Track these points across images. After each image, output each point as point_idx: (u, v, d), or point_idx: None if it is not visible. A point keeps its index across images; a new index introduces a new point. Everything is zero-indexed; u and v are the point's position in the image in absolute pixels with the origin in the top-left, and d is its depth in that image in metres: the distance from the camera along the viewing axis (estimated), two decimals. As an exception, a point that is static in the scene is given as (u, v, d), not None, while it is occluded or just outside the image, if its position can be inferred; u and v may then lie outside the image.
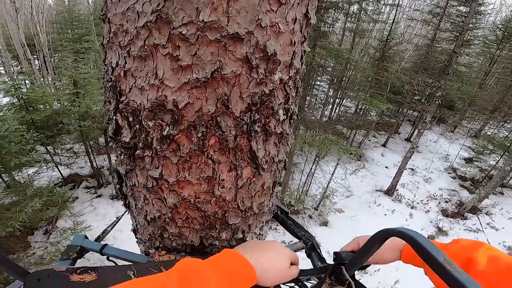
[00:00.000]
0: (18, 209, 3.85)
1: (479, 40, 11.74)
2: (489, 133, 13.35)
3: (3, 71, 15.52)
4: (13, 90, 6.16)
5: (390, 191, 9.36)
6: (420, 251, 0.45)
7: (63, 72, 9.82)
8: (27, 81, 10.85)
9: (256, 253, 0.58)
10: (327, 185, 7.80)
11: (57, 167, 7.51)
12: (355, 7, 8.40)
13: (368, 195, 9.30)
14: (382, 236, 0.54)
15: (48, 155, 7.25)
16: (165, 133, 0.55)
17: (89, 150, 7.62)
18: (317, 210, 8.05)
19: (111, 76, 0.62)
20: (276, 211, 1.07)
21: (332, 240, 6.79)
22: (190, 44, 0.48)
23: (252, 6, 0.47)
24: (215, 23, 0.46)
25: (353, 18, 8.99)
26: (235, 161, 0.60)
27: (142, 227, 0.92)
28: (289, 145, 0.72)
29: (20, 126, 4.57)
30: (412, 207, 9.11)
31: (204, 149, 0.56)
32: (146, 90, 0.54)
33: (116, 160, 0.79)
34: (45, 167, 6.86)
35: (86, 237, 0.96)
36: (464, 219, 8.85)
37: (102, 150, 8.17)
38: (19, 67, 13.81)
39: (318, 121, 7.21)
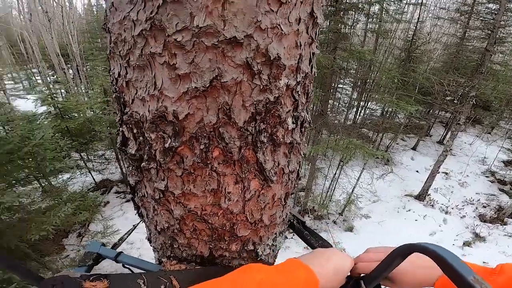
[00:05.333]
0: (53, 213, 4.06)
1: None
2: (531, 134, 12.31)
3: (40, 81, 16.59)
4: (49, 99, 6.53)
5: (421, 196, 8.89)
6: (445, 267, 0.39)
7: (94, 80, 10.31)
8: (62, 90, 11.47)
9: (318, 261, 0.60)
10: (352, 190, 7.54)
11: (90, 172, 7.90)
12: (376, 8, 8.14)
13: (396, 200, 8.89)
14: (404, 250, 0.49)
15: (82, 162, 7.65)
16: (167, 145, 0.52)
17: (119, 156, 7.94)
18: (341, 215, 7.81)
19: (115, 87, 0.61)
20: (292, 220, 1.03)
21: (358, 246, 6.53)
22: (186, 51, 0.46)
23: (250, 7, 0.44)
24: (211, 28, 0.43)
25: (374, 19, 8.72)
26: (241, 173, 0.57)
27: (154, 237, 0.92)
28: (301, 154, 0.67)
29: (56, 134, 4.83)
30: (446, 212, 8.58)
31: (208, 162, 0.54)
32: (147, 101, 0.52)
33: (127, 171, 0.79)
34: (79, 173, 7.23)
35: (103, 245, 0.98)
36: (504, 225, 8.18)
37: (131, 156, 8.44)
38: (55, 76, 14.64)
39: (341, 125, 7.01)
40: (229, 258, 0.81)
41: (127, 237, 1.21)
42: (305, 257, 0.64)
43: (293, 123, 0.57)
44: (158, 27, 0.45)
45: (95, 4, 17.69)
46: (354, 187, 7.51)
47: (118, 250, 0.99)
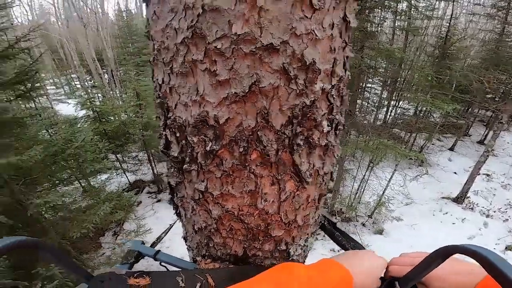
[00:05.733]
0: (92, 212, 4.32)
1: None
2: None
3: (79, 85, 17.56)
4: (88, 103, 6.96)
5: (460, 199, 8.36)
6: (492, 270, 0.38)
7: (127, 85, 10.75)
8: (99, 94, 12.08)
9: (352, 262, 0.60)
10: (383, 192, 7.27)
11: (125, 173, 8.31)
12: (404, 5, 7.80)
13: (432, 203, 8.43)
14: (445, 252, 0.47)
15: (118, 163, 8.07)
16: (208, 148, 0.56)
17: (151, 158, 8.29)
18: (371, 217, 7.55)
19: (159, 93, 0.64)
20: (322, 221, 1.03)
21: (388, 249, 6.29)
22: (226, 58, 0.48)
23: (284, 14, 0.45)
24: (248, 35, 0.45)
25: (403, 16, 8.35)
26: (278, 175, 0.58)
27: (190, 236, 0.96)
28: (335, 156, 0.68)
29: (95, 136, 5.14)
30: (487, 216, 8.00)
31: (246, 164, 0.56)
32: (190, 106, 0.55)
33: (167, 173, 0.84)
34: (115, 173, 7.63)
35: (142, 243, 1.03)
36: (553, 229, 7.48)
37: (162, 158, 8.80)
38: (92, 81, 15.43)
39: (371, 125, 6.78)
40: (262, 258, 0.83)
41: (165, 236, 1.27)
42: (338, 257, 0.64)
43: (328, 126, 0.58)
44: (199, 35, 0.48)
45: (125, 9, 18.42)
46: (385, 189, 7.24)
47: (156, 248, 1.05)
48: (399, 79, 9.54)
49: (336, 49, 0.53)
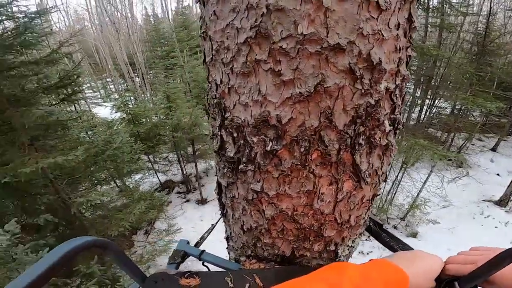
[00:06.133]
0: (128, 211, 4.51)
1: None
2: None
3: (113, 89, 18.37)
4: (122, 106, 7.32)
5: (503, 202, 7.80)
6: None
7: (157, 87, 11.05)
8: (132, 97, 12.58)
9: (406, 262, 0.59)
10: (418, 194, 6.94)
11: (156, 174, 8.63)
12: (435, 1, 7.43)
13: (472, 206, 7.92)
14: None
15: (150, 163, 8.40)
16: (268, 148, 0.56)
17: (180, 158, 8.54)
18: (403, 220, 7.23)
19: (215, 93, 0.65)
20: (368, 223, 1.01)
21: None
22: (291, 58, 0.48)
23: (351, 15, 0.45)
24: (314, 35, 0.45)
25: (435, 13, 7.95)
26: (337, 175, 0.58)
27: (236, 236, 0.97)
28: (392, 156, 0.66)
29: (130, 138, 5.38)
30: (533, 219, 7.39)
31: (306, 164, 0.56)
32: (250, 106, 0.56)
33: (218, 173, 0.86)
34: (147, 174, 7.94)
35: (188, 243, 1.05)
36: None
37: (190, 159, 9.05)
38: (125, 84, 16.09)
39: (403, 125, 6.49)
40: (309, 258, 0.82)
41: (207, 236, 1.30)
42: (390, 257, 0.63)
43: (390, 125, 0.57)
44: (263, 35, 0.48)
45: (152, 14, 18.99)
46: (420, 191, 6.91)
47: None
48: (434, 77, 9.08)
49: (401, 48, 0.52)
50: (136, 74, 14.87)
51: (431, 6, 7.60)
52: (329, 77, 0.49)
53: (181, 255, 1.00)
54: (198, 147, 8.47)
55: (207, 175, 9.83)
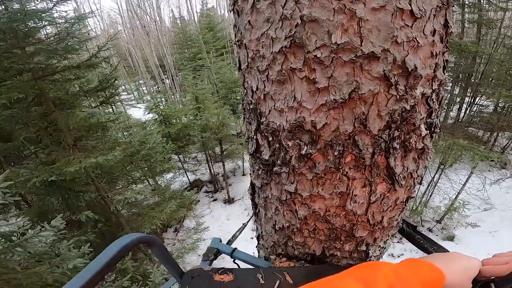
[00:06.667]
0: (160, 209, 4.70)
1: None
2: None
3: (145, 91, 19.10)
4: (155, 107, 7.65)
5: (551, 206, 7.12)
6: None
7: (186, 89, 11.32)
8: (163, 99, 13.00)
9: (443, 262, 0.58)
10: (456, 196, 6.54)
11: (186, 173, 8.92)
12: None
13: (517, 209, 7.32)
14: None
15: (180, 163, 8.69)
16: (303, 152, 0.59)
17: (208, 158, 8.76)
18: (440, 223, 6.85)
19: (251, 99, 0.69)
20: (401, 224, 0.99)
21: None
22: (325, 66, 0.50)
23: (384, 24, 0.46)
24: (348, 44, 0.47)
25: (471, 9, 7.43)
26: (370, 178, 0.59)
27: (267, 235, 1.00)
28: (429, 159, 0.66)
29: (162, 138, 5.61)
30: None
31: (340, 167, 0.58)
32: (285, 112, 0.59)
33: (252, 174, 0.90)
34: (178, 173, 8.23)
35: (220, 241, 1.09)
36: None
37: (218, 158, 9.26)
38: (156, 86, 16.67)
39: (440, 124, 6.14)
40: (340, 258, 0.84)
41: (239, 234, 1.34)
42: (426, 258, 0.62)
43: (426, 129, 0.57)
44: (298, 44, 0.51)
45: (178, 16, 19.44)
46: (459, 193, 6.51)
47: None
48: (474, 74, 8.50)
49: (437, 54, 0.52)
50: (166, 76, 15.36)
51: (467, 2, 7.14)
52: (363, 84, 0.50)
53: (214, 253, 1.04)
54: (226, 147, 8.63)
55: (234, 175, 9.98)
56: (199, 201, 8.72)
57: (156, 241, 0.68)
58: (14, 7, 3.06)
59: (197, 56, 14.02)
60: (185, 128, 8.05)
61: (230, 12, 0.69)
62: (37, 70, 3.12)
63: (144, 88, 20.08)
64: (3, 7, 3.08)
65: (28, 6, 3.11)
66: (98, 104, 4.43)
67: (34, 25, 3.26)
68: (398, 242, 6.29)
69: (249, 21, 0.58)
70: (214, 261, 1.05)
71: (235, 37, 0.72)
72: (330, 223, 0.71)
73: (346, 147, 0.56)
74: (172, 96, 14.39)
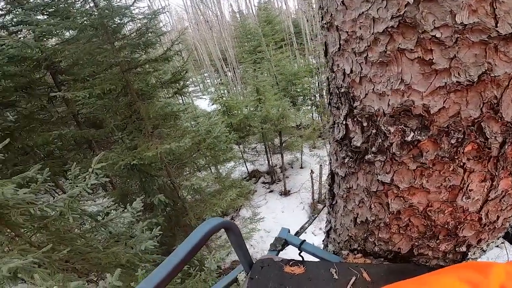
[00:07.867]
0: (221, 197, 4.90)
1: None
2: None
3: (210, 83, 20.13)
4: (219, 98, 8.02)
5: None
6: None
7: (247, 81, 11.62)
8: (225, 91, 13.58)
9: None
10: None
11: (245, 163, 9.19)
12: None
13: None
14: None
15: (240, 153, 8.99)
16: (408, 138, 0.54)
17: (267, 149, 8.86)
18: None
19: (341, 83, 0.65)
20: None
21: None
22: (446, 47, 0.45)
23: None
24: (478, 25, 0.42)
25: None
26: (493, 171, 0.52)
27: (343, 228, 0.95)
28: None
29: (225, 128, 5.82)
30: None
31: (456, 157, 0.52)
32: (388, 95, 0.54)
33: (333, 163, 0.86)
34: (238, 162, 8.53)
35: (289, 231, 1.07)
36: None
37: (277, 150, 9.29)
38: (219, 79, 17.45)
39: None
40: (430, 258, 0.76)
41: (308, 226, 1.32)
42: None
43: None
44: (409, 25, 0.46)
45: (237, 10, 19.80)
46: None
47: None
48: None
49: None
50: (228, 68, 15.96)
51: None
52: (497, 66, 0.44)
53: (282, 243, 1.02)
54: (285, 139, 8.63)
55: (292, 167, 9.93)
56: (256, 191, 8.89)
57: (236, 227, 0.70)
58: (101, 4, 3.43)
59: (257, 49, 14.20)
60: (246, 119, 8.26)
61: None
62: (124, 64, 3.50)
63: (208, 80, 21.13)
64: (92, 4, 3.49)
65: (113, 3, 3.48)
66: (171, 95, 4.80)
67: (120, 21, 3.64)
68: (497, 246, 5.52)
69: (342, 1, 0.55)
70: (281, 251, 1.03)
71: (322, 20, 0.69)
72: (430, 219, 0.64)
73: (467, 134, 0.49)
74: (234, 88, 14.86)
